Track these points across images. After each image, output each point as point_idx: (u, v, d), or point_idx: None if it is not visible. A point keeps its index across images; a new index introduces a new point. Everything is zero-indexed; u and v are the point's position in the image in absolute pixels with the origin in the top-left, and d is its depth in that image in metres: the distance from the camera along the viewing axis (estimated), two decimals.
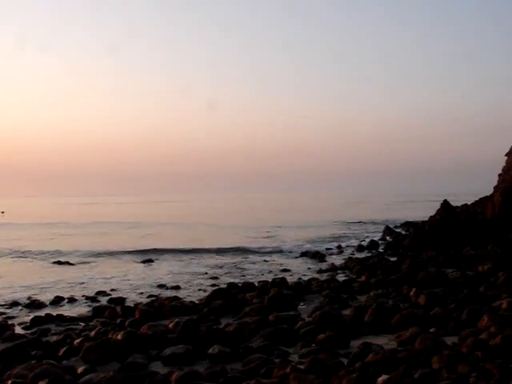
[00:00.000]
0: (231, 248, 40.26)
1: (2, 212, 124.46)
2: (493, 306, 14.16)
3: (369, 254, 34.70)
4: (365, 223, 67.08)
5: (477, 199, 43.45)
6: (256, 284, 23.12)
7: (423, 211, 61.21)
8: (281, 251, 39.05)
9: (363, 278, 23.66)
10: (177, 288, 24.19)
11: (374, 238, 45.14)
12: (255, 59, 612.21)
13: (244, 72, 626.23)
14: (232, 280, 25.59)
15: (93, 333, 14.42)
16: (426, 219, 35.15)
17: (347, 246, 41.78)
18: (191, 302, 19.71)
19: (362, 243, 43.14)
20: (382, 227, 53.25)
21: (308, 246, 41.47)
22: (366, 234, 51.29)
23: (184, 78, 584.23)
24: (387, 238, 45.38)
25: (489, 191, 34.12)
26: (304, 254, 36.26)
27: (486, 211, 30.73)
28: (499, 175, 34.12)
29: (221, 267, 31.16)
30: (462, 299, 15.60)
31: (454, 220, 32.05)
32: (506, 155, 34.84)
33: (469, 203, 44.36)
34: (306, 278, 24.86)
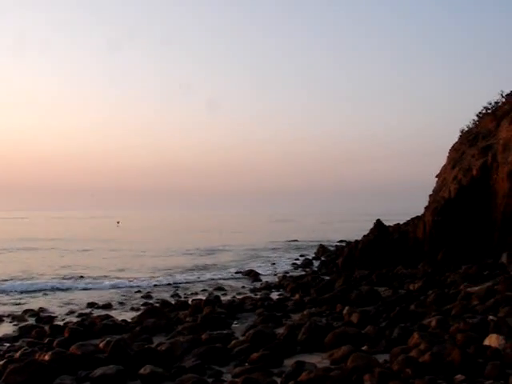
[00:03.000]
0: (165, 267, 39.81)
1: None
2: (423, 324, 14.41)
3: (303, 273, 34.93)
4: (299, 242, 67.58)
5: (408, 219, 44.38)
6: (189, 302, 22.89)
7: (357, 230, 62.21)
8: (214, 270, 38.81)
9: (297, 296, 23.74)
10: (108, 307, 23.60)
11: (308, 257, 45.59)
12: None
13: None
14: (165, 298, 25.20)
15: (18, 354, 13.84)
16: (360, 238, 35.65)
17: (281, 265, 41.96)
18: (123, 320, 19.22)
19: (296, 261, 43.47)
20: (316, 246, 53.78)
21: (242, 265, 41.42)
22: (300, 253, 51.63)
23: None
24: (321, 256, 45.82)
25: (420, 211, 34.90)
26: (238, 273, 36.18)
27: (417, 231, 31.42)
28: (430, 196, 34.99)
29: (154, 285, 30.67)
30: (394, 317, 15.84)
31: (387, 239, 32.65)
32: (437, 176, 35.82)
33: (401, 223, 45.31)
34: (239, 297, 24.80)
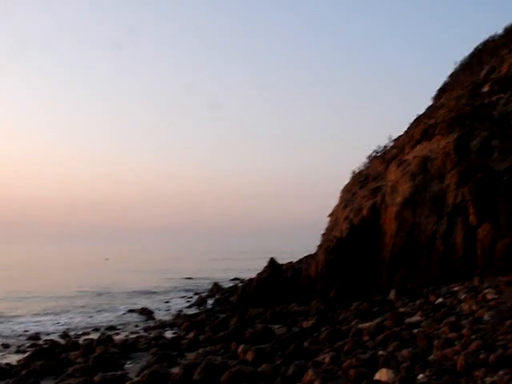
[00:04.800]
0: (54, 307, 38.30)
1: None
2: (317, 361, 14.65)
3: (197, 311, 34.68)
4: (193, 279, 67.10)
5: (301, 257, 45.21)
6: (80, 342, 22.12)
7: (250, 268, 62.65)
8: (107, 308, 37.79)
9: (192, 334, 23.54)
10: None
11: (203, 295, 45.29)
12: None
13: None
14: (54, 339, 24.15)
15: None
16: (254, 276, 35.90)
17: (175, 303, 41.49)
18: (7, 364, 18.23)
19: (191, 299, 43.13)
20: (211, 284, 53.57)
21: (135, 303, 40.58)
22: (195, 291, 51.25)
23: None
24: (215, 294, 45.66)
25: (313, 250, 35.67)
26: (131, 311, 35.37)
27: (310, 269, 32.05)
28: (323, 235, 35.91)
29: (42, 326, 29.40)
30: (289, 355, 16.02)
31: (280, 277, 33.06)
32: (329, 216, 36.84)
33: (294, 261, 46.10)
34: (133, 336, 24.22)
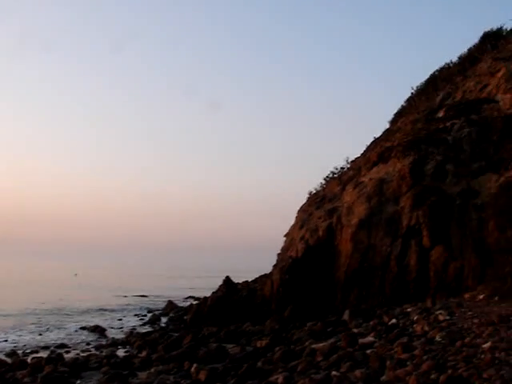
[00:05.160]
0: (0, 323, 37.29)
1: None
2: (270, 381, 14.61)
3: (150, 329, 34.20)
4: (147, 297, 66.31)
5: (257, 276, 45.20)
6: (29, 361, 21.57)
7: (205, 287, 62.29)
8: (58, 325, 36.99)
9: (144, 353, 23.18)
10: None
11: (156, 313, 44.79)
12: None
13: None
14: (0, 357, 23.37)
15: None
16: (208, 294, 35.69)
17: (128, 320, 40.90)
18: None
19: (144, 317, 42.58)
20: (165, 301, 53.02)
21: (87, 320, 39.87)
22: (149, 308, 50.62)
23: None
24: (169, 312, 45.21)
25: (268, 269, 35.68)
26: (83, 329, 34.71)
27: (265, 288, 32.05)
28: (278, 254, 36.00)
29: None
30: (242, 374, 15.93)
31: (235, 296, 32.96)
32: (285, 236, 36.98)
33: (250, 280, 46.02)
34: (84, 354, 23.71)
